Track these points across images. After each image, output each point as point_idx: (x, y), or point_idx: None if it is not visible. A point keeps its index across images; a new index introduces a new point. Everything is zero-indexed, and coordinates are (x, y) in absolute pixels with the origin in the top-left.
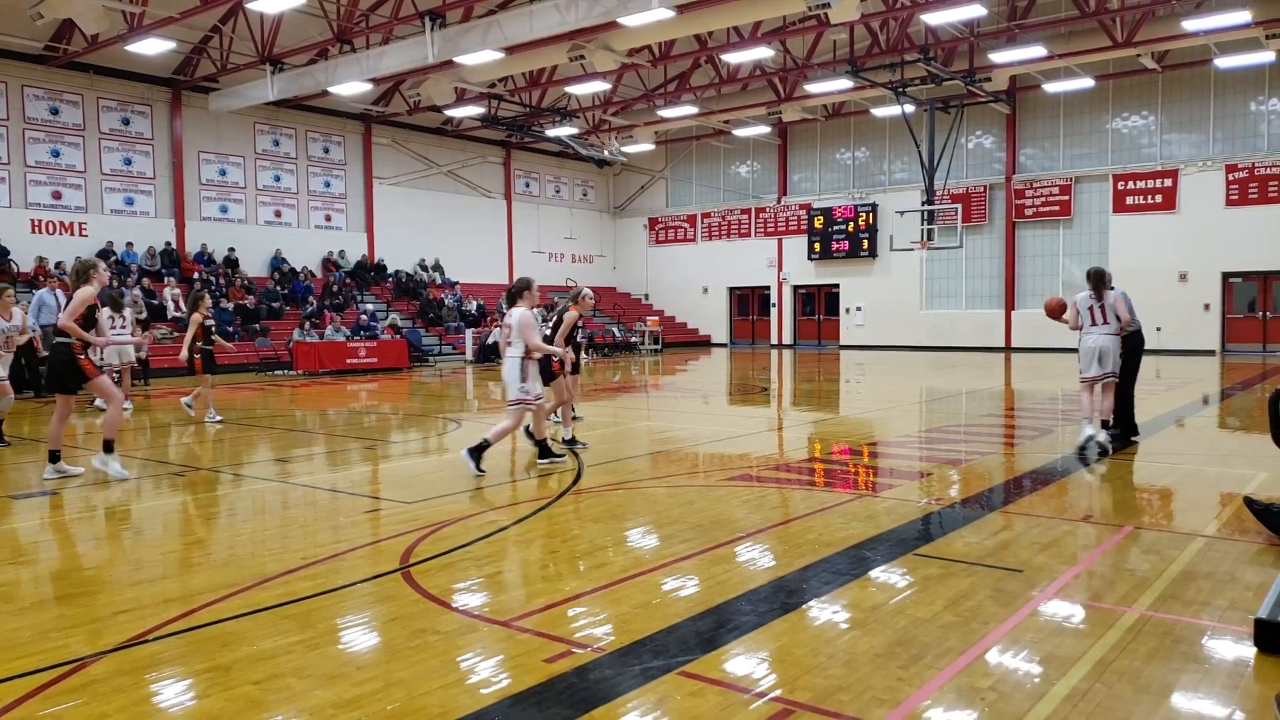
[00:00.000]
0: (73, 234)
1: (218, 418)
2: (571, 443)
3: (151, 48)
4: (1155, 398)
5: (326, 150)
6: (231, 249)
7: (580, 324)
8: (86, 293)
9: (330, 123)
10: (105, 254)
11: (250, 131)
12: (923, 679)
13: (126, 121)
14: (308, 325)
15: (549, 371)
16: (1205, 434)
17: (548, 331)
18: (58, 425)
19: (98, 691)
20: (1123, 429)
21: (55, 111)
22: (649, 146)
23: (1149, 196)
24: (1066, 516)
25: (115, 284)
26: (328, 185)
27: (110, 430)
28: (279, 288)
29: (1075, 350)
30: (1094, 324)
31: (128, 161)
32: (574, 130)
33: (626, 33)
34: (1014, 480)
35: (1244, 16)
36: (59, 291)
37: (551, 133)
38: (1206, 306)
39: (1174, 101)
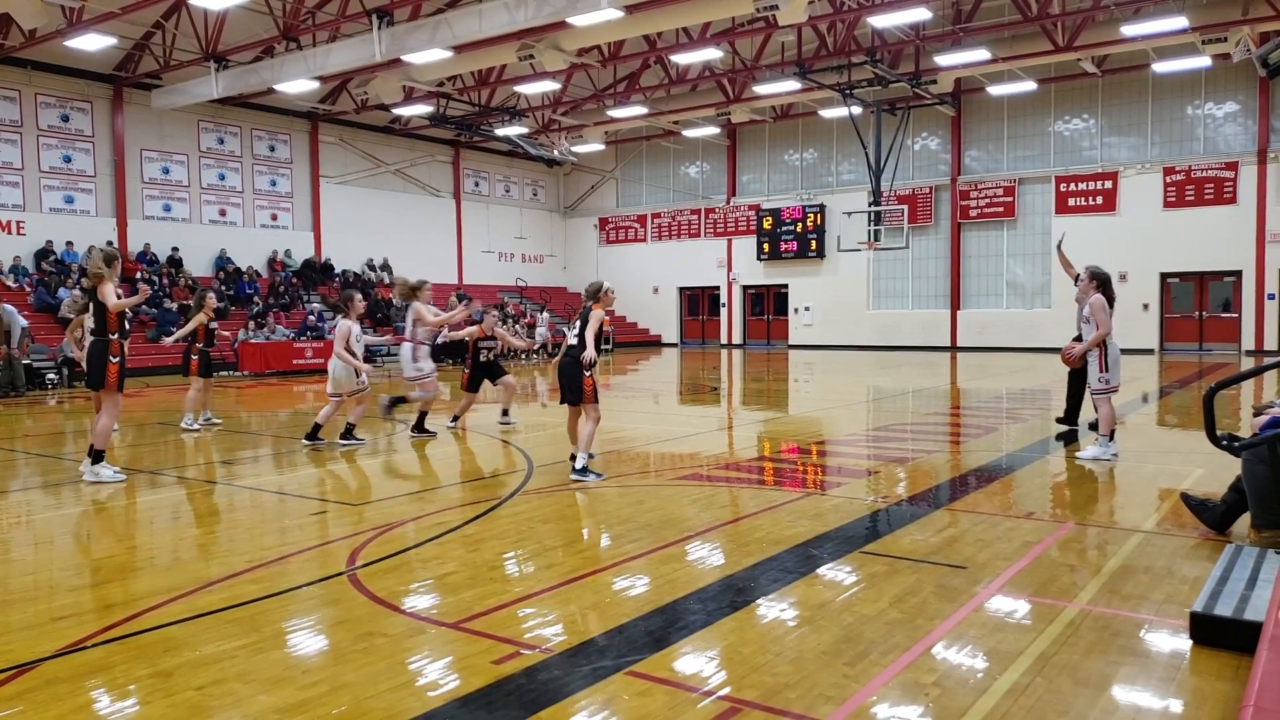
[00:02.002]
0: (10, 233)
1: (216, 420)
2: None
3: (92, 43)
4: None
5: (272, 149)
6: (175, 248)
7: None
8: (105, 291)
9: (276, 121)
10: (44, 253)
11: (194, 129)
12: (869, 675)
13: (66, 118)
14: (253, 325)
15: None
16: (1144, 431)
17: (570, 333)
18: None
19: (35, 700)
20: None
21: None
22: (599, 146)
23: (1090, 198)
24: (1010, 513)
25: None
26: (274, 184)
27: (102, 440)
28: (224, 287)
29: (1020, 350)
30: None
31: (67, 159)
32: (524, 130)
33: (576, 32)
34: (959, 478)
35: (1181, 22)
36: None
37: (501, 132)
38: (1145, 306)
39: (1114, 105)
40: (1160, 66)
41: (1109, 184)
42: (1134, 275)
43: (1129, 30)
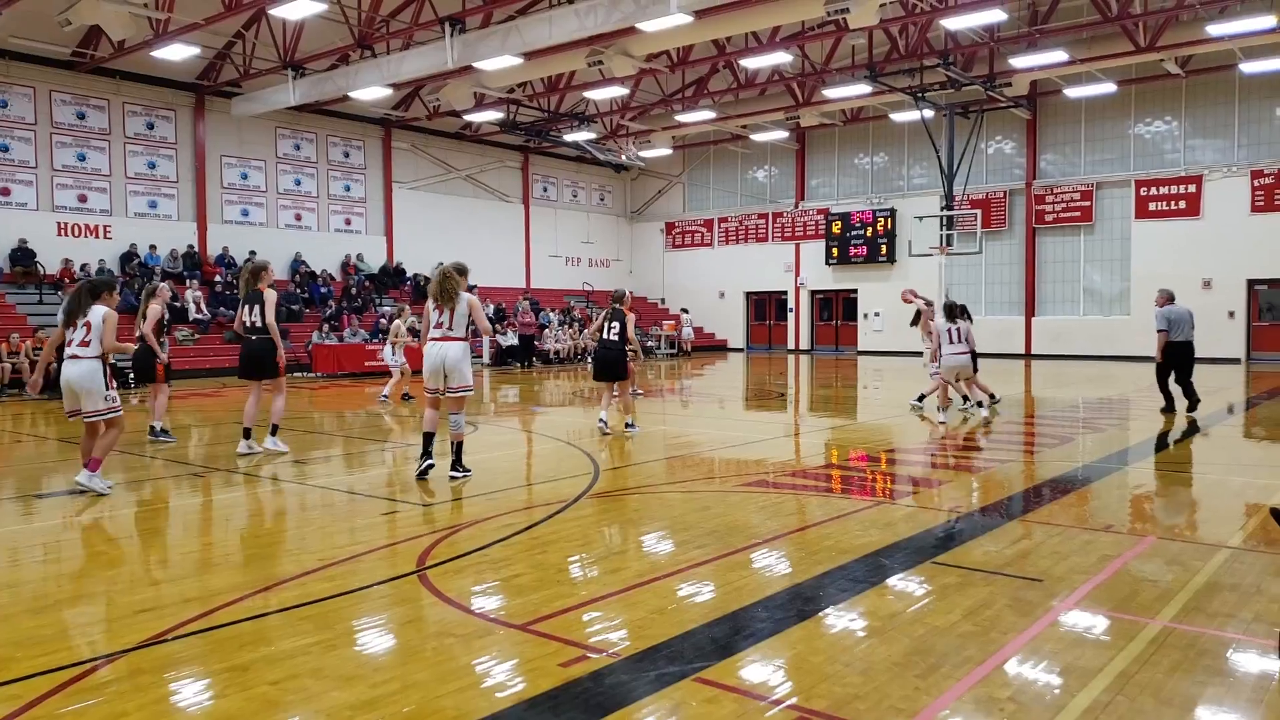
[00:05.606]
0: (98, 237)
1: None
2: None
3: (176, 53)
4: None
5: (347, 154)
6: (253, 252)
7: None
8: (272, 295)
9: (350, 127)
10: (129, 256)
11: (271, 136)
12: (941, 688)
13: (151, 126)
14: (327, 328)
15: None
16: (1230, 443)
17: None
18: (252, 406)
19: (118, 690)
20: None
21: (82, 116)
22: (666, 151)
23: (1172, 203)
24: (1087, 526)
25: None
26: (348, 189)
27: (277, 416)
28: (299, 290)
29: (1097, 358)
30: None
31: (152, 165)
32: (592, 135)
33: (645, 38)
34: (1033, 489)
35: (1269, 21)
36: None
37: (569, 137)
38: (1231, 314)
39: (1198, 107)
40: (1248, 67)
41: (1193, 188)
42: (1219, 282)
43: (1215, 30)
